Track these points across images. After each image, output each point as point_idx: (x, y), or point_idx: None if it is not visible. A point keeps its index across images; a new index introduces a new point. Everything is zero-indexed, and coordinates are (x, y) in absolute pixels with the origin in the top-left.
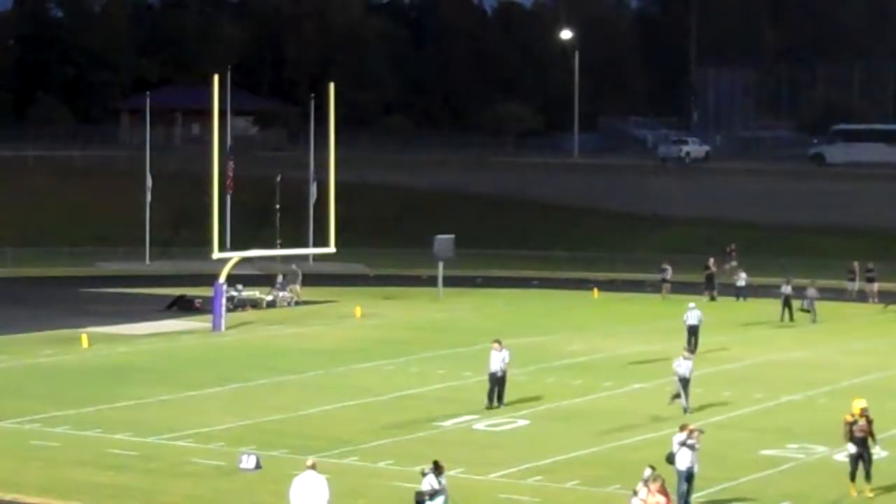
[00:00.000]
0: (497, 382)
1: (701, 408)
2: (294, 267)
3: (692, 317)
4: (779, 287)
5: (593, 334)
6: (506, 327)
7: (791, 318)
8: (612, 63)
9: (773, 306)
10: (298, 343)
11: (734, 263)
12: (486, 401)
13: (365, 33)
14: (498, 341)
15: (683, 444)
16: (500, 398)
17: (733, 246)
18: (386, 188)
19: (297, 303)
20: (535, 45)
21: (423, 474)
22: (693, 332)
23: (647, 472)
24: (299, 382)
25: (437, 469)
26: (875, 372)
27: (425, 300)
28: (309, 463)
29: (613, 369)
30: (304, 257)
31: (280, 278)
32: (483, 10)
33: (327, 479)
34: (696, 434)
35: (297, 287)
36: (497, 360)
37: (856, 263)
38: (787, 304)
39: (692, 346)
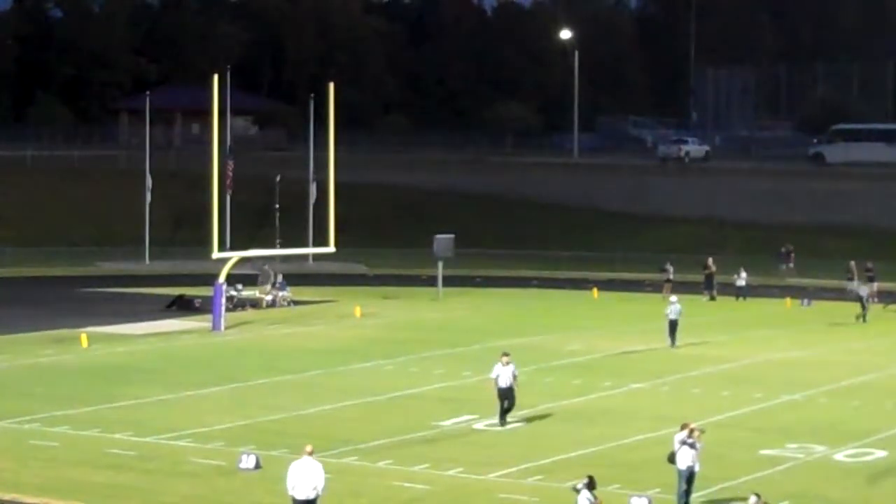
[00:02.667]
0: (506, 397)
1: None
2: (266, 267)
3: (673, 311)
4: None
5: (592, 334)
6: (505, 327)
7: (864, 319)
8: (611, 63)
9: (773, 306)
10: (298, 343)
11: (791, 265)
12: (499, 420)
13: (364, 33)
14: (506, 354)
15: (684, 443)
16: (504, 414)
17: (790, 247)
18: (385, 188)
19: (252, 304)
20: (534, 44)
21: (577, 490)
22: (673, 326)
23: (753, 499)
24: (299, 382)
25: (591, 484)
26: (874, 371)
27: (425, 300)
28: (308, 449)
29: (613, 369)
30: (304, 257)
31: (279, 277)
32: (483, 10)
33: (322, 467)
34: (697, 433)
35: (268, 287)
36: (507, 375)
37: (852, 263)
38: (863, 304)
39: (672, 339)
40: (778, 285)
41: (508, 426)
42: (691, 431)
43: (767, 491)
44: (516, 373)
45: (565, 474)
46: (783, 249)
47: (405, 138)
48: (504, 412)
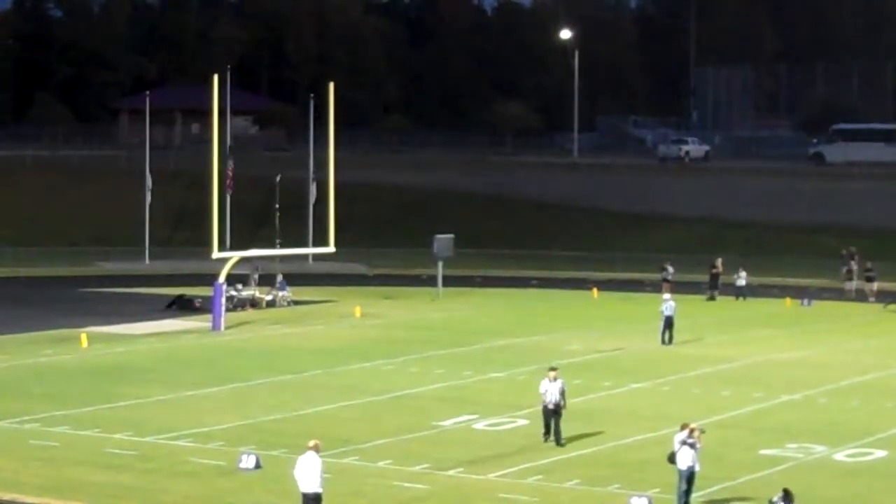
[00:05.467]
0: (552, 416)
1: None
2: (255, 270)
3: (668, 307)
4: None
5: (592, 334)
6: (505, 327)
7: None
8: (611, 63)
9: (773, 306)
10: (298, 343)
11: (855, 267)
12: (544, 436)
13: (364, 33)
14: (554, 369)
15: (684, 443)
16: (557, 434)
17: (853, 249)
18: (385, 188)
19: (252, 304)
20: (534, 44)
21: (772, 503)
22: (669, 323)
23: None
24: (299, 382)
25: (788, 497)
26: (874, 371)
27: (425, 300)
28: (310, 444)
29: (613, 369)
30: (304, 257)
31: (279, 277)
32: (483, 10)
33: (322, 461)
34: (697, 433)
35: (252, 287)
36: (554, 392)
37: (852, 262)
38: None
39: (667, 337)
40: (838, 288)
41: (508, 426)
42: (692, 431)
43: (767, 491)
44: (565, 388)
45: (565, 474)
46: (844, 252)
47: (405, 138)
48: (549, 429)
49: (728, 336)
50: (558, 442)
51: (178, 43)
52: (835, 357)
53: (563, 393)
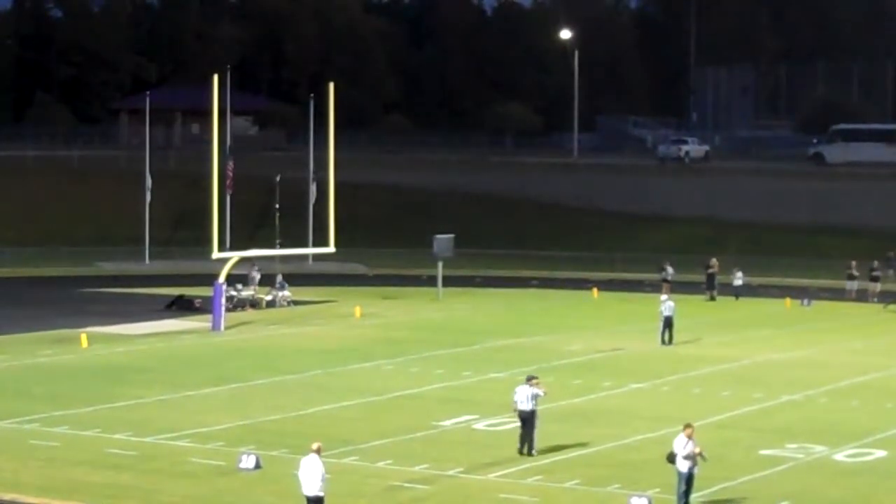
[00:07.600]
0: (525, 422)
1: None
2: (254, 273)
3: (667, 308)
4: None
5: (593, 334)
6: (505, 327)
7: None
8: (611, 63)
9: (771, 306)
10: (298, 343)
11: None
12: (518, 444)
13: (364, 33)
14: (532, 378)
15: (686, 457)
16: (529, 443)
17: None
18: (385, 188)
19: (252, 304)
20: (534, 45)
21: None
22: (668, 323)
23: None
24: (299, 382)
25: None
26: (874, 371)
27: (425, 300)
28: (314, 447)
29: (613, 369)
30: (304, 257)
31: (279, 277)
32: (483, 10)
33: (324, 464)
34: (699, 459)
35: (255, 287)
36: (523, 397)
37: (853, 263)
38: None
39: (667, 337)
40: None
41: (509, 426)
42: (695, 456)
43: (767, 491)
44: (540, 395)
45: (565, 474)
46: (891, 254)
47: (405, 138)
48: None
49: (728, 336)
50: (525, 453)
51: (178, 43)
52: (835, 357)
53: (538, 396)
